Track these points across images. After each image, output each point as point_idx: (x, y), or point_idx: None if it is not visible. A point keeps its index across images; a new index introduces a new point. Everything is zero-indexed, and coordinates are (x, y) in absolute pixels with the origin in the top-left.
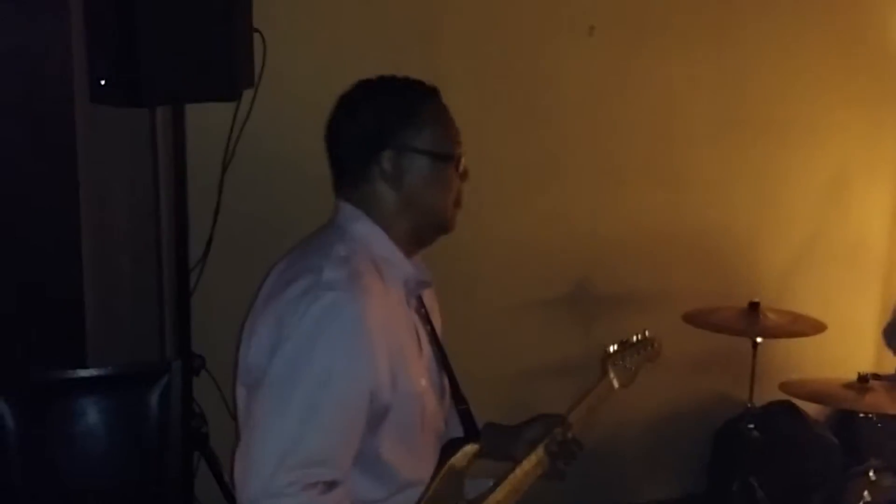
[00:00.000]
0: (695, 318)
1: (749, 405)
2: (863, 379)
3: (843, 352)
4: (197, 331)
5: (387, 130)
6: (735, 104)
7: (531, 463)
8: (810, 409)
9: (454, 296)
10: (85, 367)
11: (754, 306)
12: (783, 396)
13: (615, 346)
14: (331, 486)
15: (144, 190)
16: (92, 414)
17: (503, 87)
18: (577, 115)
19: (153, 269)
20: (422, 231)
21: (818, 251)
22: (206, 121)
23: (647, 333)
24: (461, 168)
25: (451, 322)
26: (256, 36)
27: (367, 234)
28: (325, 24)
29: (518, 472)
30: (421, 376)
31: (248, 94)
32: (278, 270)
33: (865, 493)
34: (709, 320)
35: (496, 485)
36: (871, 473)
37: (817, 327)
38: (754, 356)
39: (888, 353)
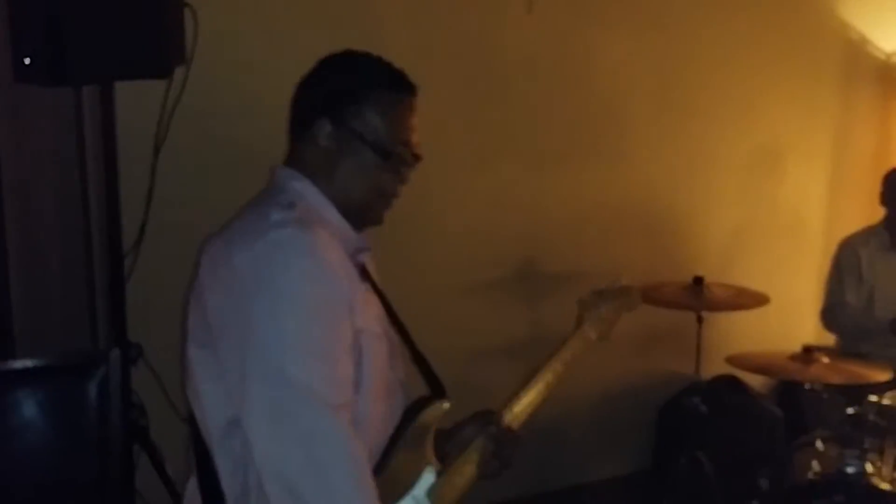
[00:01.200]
0: (642, 294)
1: (695, 379)
2: (807, 350)
3: (784, 325)
4: (131, 319)
5: (333, 99)
6: (674, 82)
7: (461, 465)
8: (753, 382)
9: (400, 277)
10: (14, 358)
11: (699, 281)
12: (729, 370)
13: (590, 296)
14: (338, 407)
15: (72, 174)
16: (27, 407)
17: (444, 66)
18: (520, 94)
19: (83, 256)
20: (348, 215)
21: (757, 226)
22: (136, 100)
23: (623, 281)
24: (401, 171)
25: (398, 304)
26: (187, 10)
27: (307, 192)
28: None
29: (448, 477)
30: (375, 324)
31: (180, 72)
32: (222, 239)
33: (814, 463)
34: (654, 296)
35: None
36: (818, 444)
37: (761, 300)
38: (700, 331)
39: None
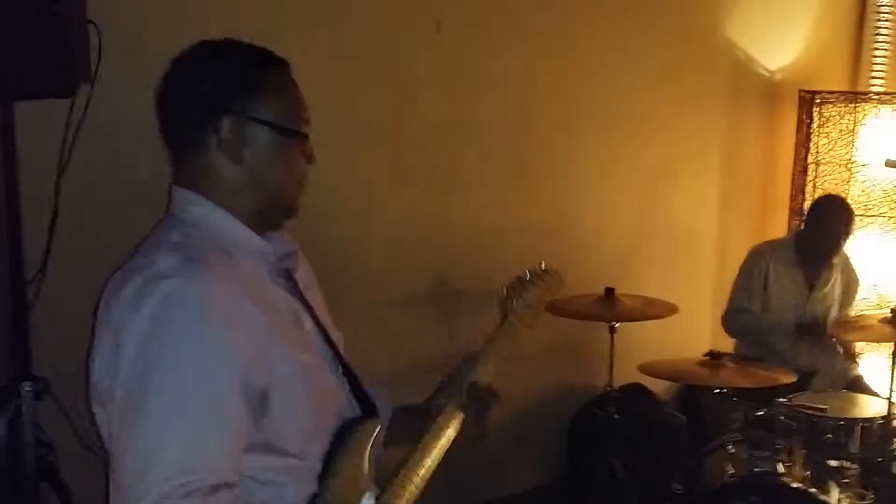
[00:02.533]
0: (554, 307)
1: (609, 388)
2: (714, 356)
3: (684, 332)
4: (36, 351)
5: (228, 95)
6: (576, 100)
7: (443, 426)
8: (657, 388)
9: None
10: None
11: (610, 292)
12: (640, 378)
13: (510, 288)
14: (215, 489)
15: None
16: None
17: (355, 85)
18: (431, 111)
19: None
20: (266, 211)
21: (656, 239)
22: (38, 120)
23: (543, 265)
24: (308, 150)
25: None
26: (91, 28)
27: (206, 216)
28: (164, 11)
29: (430, 438)
30: (303, 352)
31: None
32: (115, 285)
33: (728, 466)
34: (568, 308)
35: (407, 461)
36: (729, 447)
37: (670, 309)
38: (612, 341)
39: (724, 333)
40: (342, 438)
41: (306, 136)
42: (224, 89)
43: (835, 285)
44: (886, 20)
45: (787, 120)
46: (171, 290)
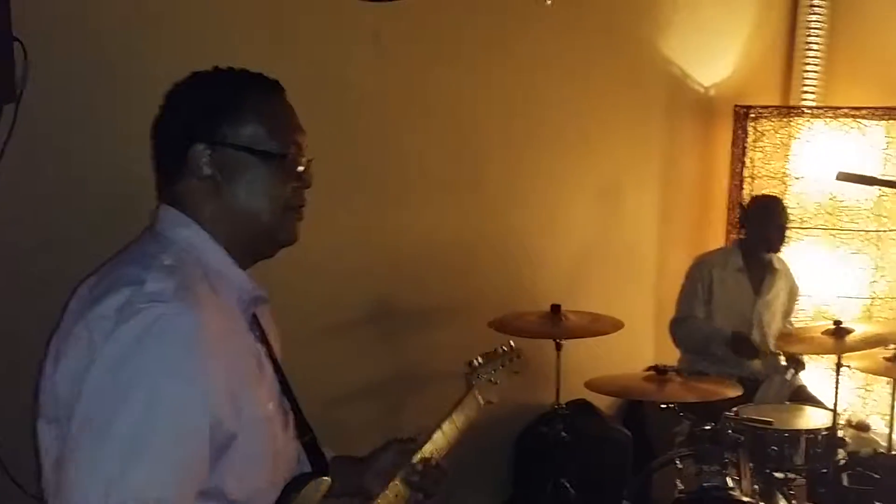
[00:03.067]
0: (500, 325)
1: (557, 406)
2: (661, 371)
3: (627, 347)
4: None
5: (201, 121)
6: (519, 114)
7: (388, 499)
8: (600, 404)
9: None
10: None
11: (556, 309)
12: (587, 395)
13: (479, 360)
14: None
15: None
16: None
17: (292, 102)
18: (370, 128)
19: None
20: (245, 240)
21: (599, 254)
22: None
23: (511, 344)
24: (299, 170)
25: None
26: (17, 46)
27: (194, 240)
28: (91, 30)
29: None
30: (268, 400)
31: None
32: (87, 286)
33: (678, 482)
34: (515, 325)
35: None
36: (677, 462)
37: (616, 325)
38: (558, 357)
39: (666, 347)
40: (290, 494)
41: (285, 157)
42: (198, 116)
43: (780, 292)
44: (817, 35)
45: (723, 134)
46: (163, 314)
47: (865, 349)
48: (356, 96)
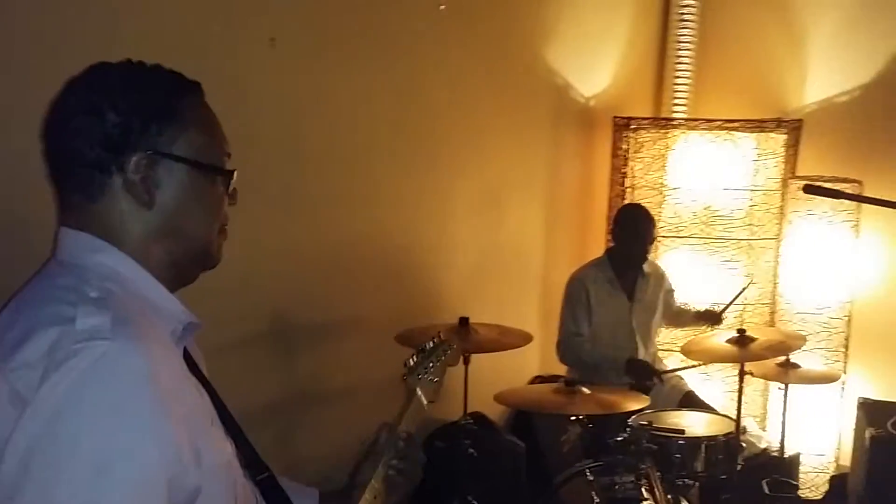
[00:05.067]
0: (408, 338)
1: (466, 420)
2: (569, 383)
3: (514, 357)
4: None
5: (138, 128)
6: (413, 123)
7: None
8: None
9: None
10: None
11: (464, 322)
12: (494, 408)
13: (413, 359)
14: None
15: None
16: None
17: None
18: (266, 133)
19: None
20: (180, 264)
21: (489, 265)
22: None
23: (441, 336)
24: (231, 188)
25: None
26: None
27: (118, 267)
28: None
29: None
30: (224, 441)
31: None
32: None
33: (593, 494)
34: (422, 339)
35: None
36: (587, 474)
37: (525, 338)
38: (466, 371)
39: (551, 358)
40: None
41: (231, 173)
42: (134, 122)
43: (654, 294)
44: (687, 49)
45: (604, 145)
46: (106, 355)
47: (770, 357)
48: (251, 99)
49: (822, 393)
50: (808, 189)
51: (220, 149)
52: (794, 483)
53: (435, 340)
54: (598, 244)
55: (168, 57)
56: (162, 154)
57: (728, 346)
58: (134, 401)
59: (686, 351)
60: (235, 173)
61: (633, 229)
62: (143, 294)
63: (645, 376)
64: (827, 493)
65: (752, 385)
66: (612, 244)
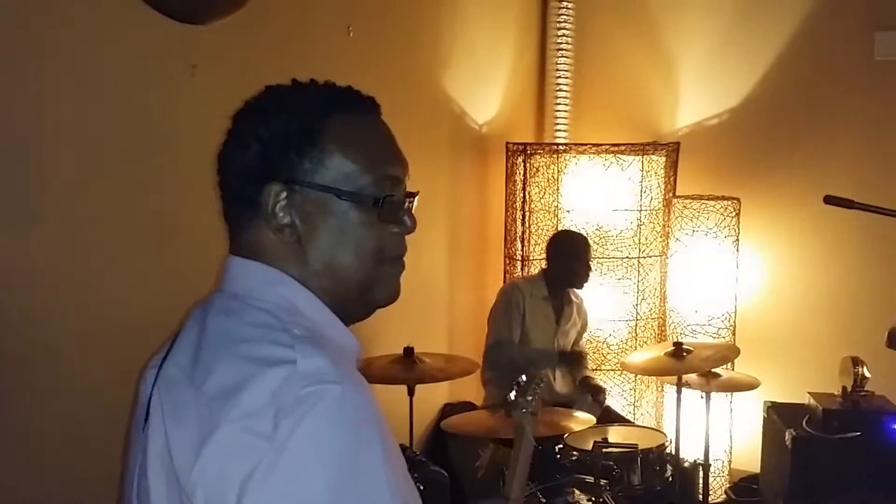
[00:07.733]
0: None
1: (413, 453)
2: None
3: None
4: None
5: (274, 157)
6: None
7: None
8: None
9: None
10: None
11: (409, 352)
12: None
13: (512, 395)
14: None
15: None
16: None
17: (104, 136)
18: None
19: None
20: (339, 302)
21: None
22: None
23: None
24: (402, 218)
25: None
26: None
27: (296, 297)
28: None
29: None
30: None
31: None
32: (192, 384)
33: None
34: (369, 372)
35: None
36: (539, 496)
37: (472, 366)
38: (411, 401)
39: (458, 384)
40: None
41: (389, 198)
42: (271, 149)
43: (575, 324)
44: (564, 77)
45: (498, 170)
46: (340, 398)
47: (708, 368)
48: (172, 126)
49: (713, 400)
50: (829, 200)
51: (377, 173)
52: (755, 487)
53: (527, 375)
54: (495, 268)
55: (84, 91)
56: (300, 183)
57: (665, 358)
58: (376, 442)
59: (624, 365)
60: (408, 197)
61: (573, 253)
62: (324, 331)
63: (579, 364)
64: (728, 498)
65: (651, 389)
66: (546, 266)
